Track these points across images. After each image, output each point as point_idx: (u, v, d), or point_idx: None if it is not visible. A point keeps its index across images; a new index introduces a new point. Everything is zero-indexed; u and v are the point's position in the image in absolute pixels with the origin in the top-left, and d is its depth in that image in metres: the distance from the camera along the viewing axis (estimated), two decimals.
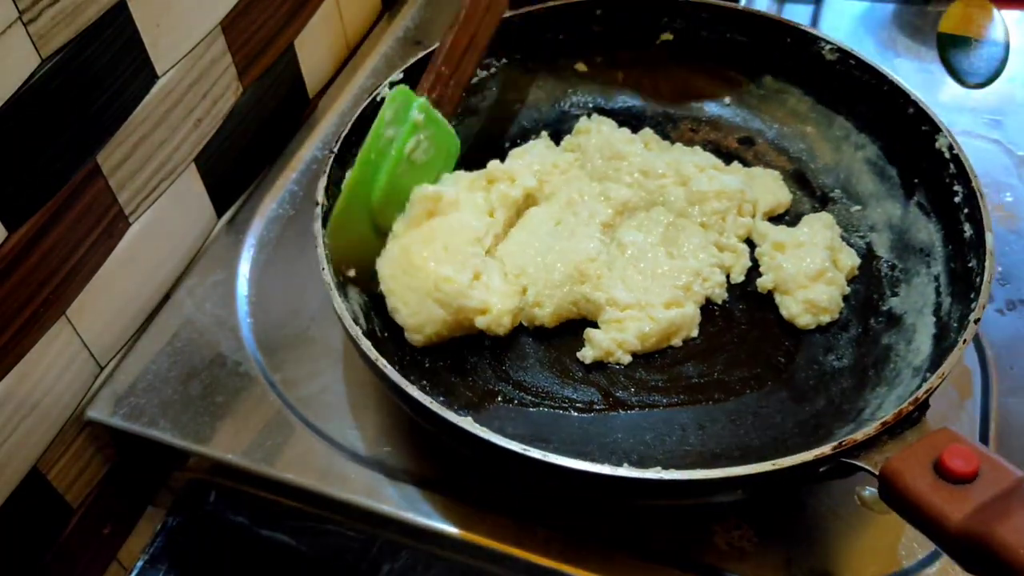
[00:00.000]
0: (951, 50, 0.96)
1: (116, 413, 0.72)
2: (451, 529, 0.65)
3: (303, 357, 0.75)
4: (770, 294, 0.76)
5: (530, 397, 0.70)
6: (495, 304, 0.70)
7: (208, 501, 0.71)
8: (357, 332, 0.61)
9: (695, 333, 0.74)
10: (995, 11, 1.04)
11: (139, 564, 0.69)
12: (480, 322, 0.70)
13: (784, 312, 0.74)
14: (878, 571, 0.62)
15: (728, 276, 0.77)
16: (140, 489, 0.80)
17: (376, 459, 0.69)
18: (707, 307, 0.75)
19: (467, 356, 0.72)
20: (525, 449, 0.55)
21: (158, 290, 0.80)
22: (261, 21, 0.85)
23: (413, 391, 0.58)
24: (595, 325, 0.73)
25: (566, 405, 0.69)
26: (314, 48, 0.96)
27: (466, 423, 0.56)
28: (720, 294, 0.76)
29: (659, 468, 0.55)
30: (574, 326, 0.74)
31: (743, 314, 0.75)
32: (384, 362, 0.59)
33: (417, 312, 0.70)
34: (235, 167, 0.87)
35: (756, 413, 0.68)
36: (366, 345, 0.60)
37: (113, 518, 0.77)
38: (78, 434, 0.72)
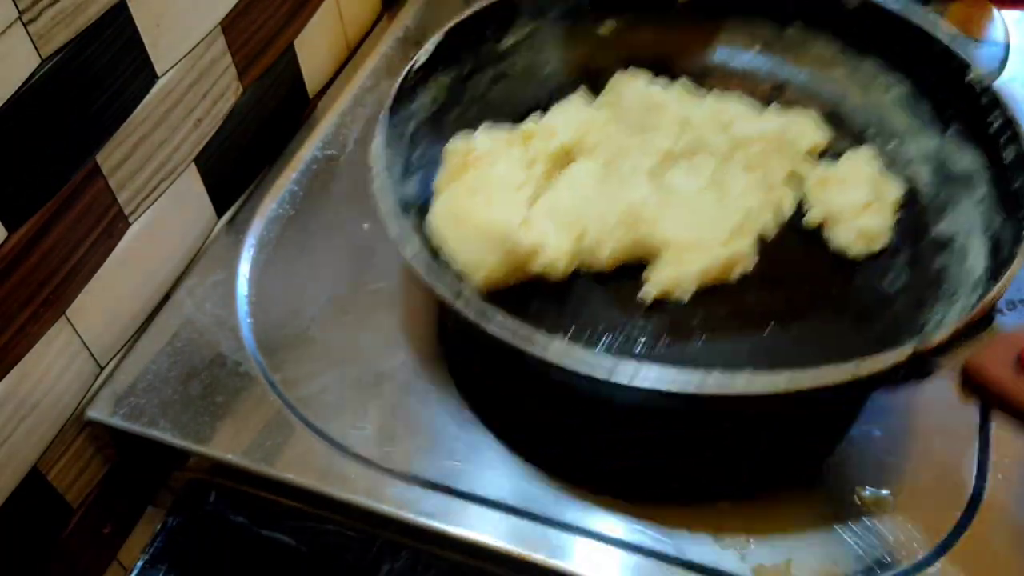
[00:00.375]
0: None
1: (116, 413, 0.72)
2: (451, 529, 0.65)
3: (303, 357, 0.75)
4: (818, 230, 0.76)
5: (596, 337, 0.70)
6: (549, 246, 0.71)
7: (208, 501, 0.71)
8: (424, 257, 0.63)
9: (751, 268, 0.74)
10: (995, 11, 1.04)
11: (139, 564, 0.69)
12: (536, 265, 0.71)
13: (834, 244, 0.75)
14: (878, 571, 0.62)
15: (777, 215, 0.78)
16: (140, 489, 0.80)
17: (376, 459, 0.69)
18: (759, 244, 0.76)
19: (529, 303, 0.72)
20: (616, 363, 0.56)
21: (158, 290, 0.80)
22: (261, 21, 0.85)
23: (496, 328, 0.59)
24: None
25: (631, 343, 0.70)
26: (314, 48, 0.96)
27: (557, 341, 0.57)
28: (771, 231, 0.77)
29: (750, 372, 0.56)
30: (632, 269, 0.74)
31: (794, 250, 0.76)
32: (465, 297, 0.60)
33: (470, 257, 0.71)
34: (235, 167, 0.87)
35: (821, 338, 0.69)
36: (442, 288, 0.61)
37: (113, 518, 0.77)
38: (78, 434, 0.72)
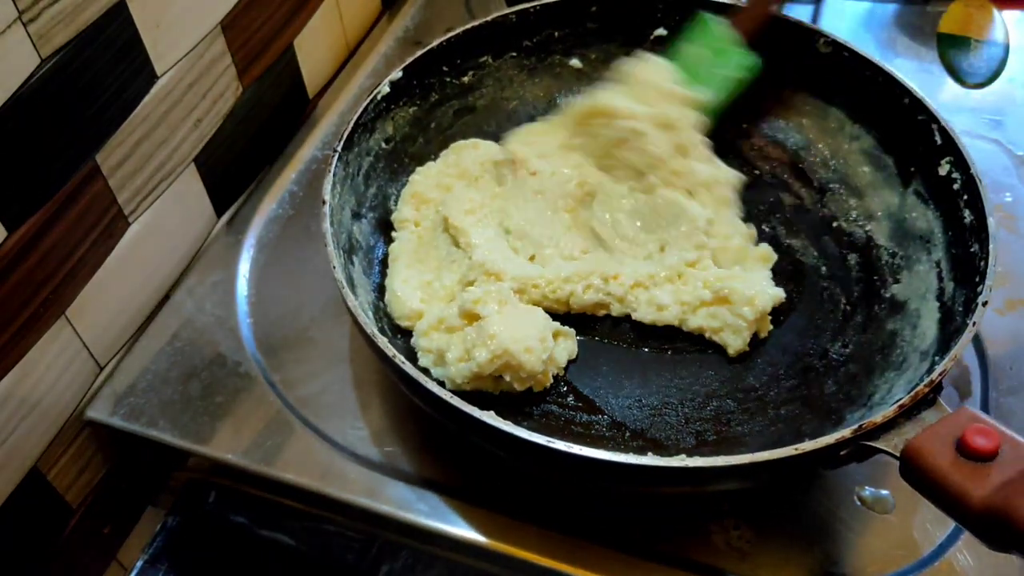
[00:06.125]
0: (951, 50, 0.96)
1: (116, 413, 0.72)
2: (451, 529, 0.65)
3: (303, 357, 0.75)
4: None
5: None
6: None
7: (208, 501, 0.71)
8: (373, 330, 0.61)
9: None
10: (995, 11, 1.04)
11: (139, 564, 0.69)
12: None
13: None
14: (878, 571, 0.62)
15: None
16: (140, 489, 0.80)
17: (376, 459, 0.69)
18: None
19: None
20: (550, 441, 0.55)
21: (158, 290, 0.80)
22: (261, 21, 0.85)
23: (432, 386, 0.58)
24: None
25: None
26: (314, 48, 0.96)
27: (488, 416, 0.57)
28: None
29: (683, 456, 0.55)
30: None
31: None
32: (402, 358, 0.60)
33: None
34: (235, 167, 0.87)
35: (771, 402, 0.69)
36: (383, 342, 0.60)
37: (113, 518, 0.77)
38: (78, 434, 0.72)
